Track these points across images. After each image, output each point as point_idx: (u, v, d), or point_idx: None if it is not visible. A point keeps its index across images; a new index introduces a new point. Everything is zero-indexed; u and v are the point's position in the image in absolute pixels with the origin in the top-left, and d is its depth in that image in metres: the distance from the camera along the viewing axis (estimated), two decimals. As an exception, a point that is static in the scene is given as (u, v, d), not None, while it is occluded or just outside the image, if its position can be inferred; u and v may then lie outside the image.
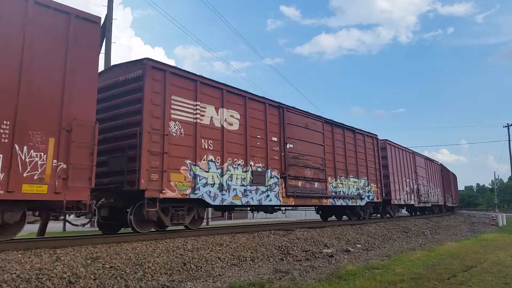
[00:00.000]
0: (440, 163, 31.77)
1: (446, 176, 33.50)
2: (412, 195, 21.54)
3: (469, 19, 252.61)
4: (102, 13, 17.36)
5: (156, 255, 6.49)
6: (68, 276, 4.99)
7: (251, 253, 7.91)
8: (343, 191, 13.90)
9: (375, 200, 16.25)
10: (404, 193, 20.20)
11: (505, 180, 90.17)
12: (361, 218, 15.87)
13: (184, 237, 8.14)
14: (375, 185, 16.37)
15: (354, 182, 14.66)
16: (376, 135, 17.29)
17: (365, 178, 15.57)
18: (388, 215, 19.17)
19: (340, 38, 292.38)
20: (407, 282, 5.97)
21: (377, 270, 7.02)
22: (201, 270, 6.50)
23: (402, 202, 19.74)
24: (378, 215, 18.83)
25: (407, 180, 20.93)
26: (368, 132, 16.64)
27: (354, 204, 14.70)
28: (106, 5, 13.49)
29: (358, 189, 14.88)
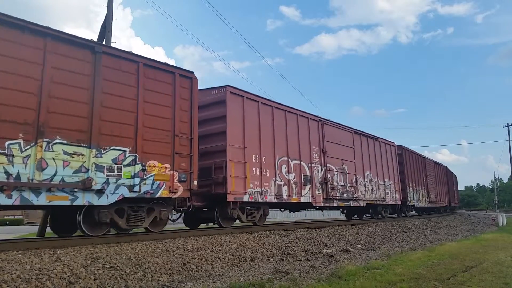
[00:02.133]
0: (400, 145, 21.49)
1: (417, 165, 23.72)
2: (309, 188, 12.47)
3: (469, 19, 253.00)
4: (102, 13, 17.37)
5: (156, 255, 6.49)
6: (68, 276, 5.00)
7: (251, 253, 7.91)
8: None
9: (161, 194, 7.96)
10: (281, 183, 11.24)
11: (505, 180, 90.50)
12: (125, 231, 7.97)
13: (184, 237, 8.15)
14: (167, 165, 8.14)
15: (71, 155, 6.67)
16: (191, 73, 9.00)
17: (128, 149, 7.45)
18: (229, 220, 10.24)
19: (340, 38, 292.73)
20: (407, 282, 5.97)
21: (377, 270, 7.02)
22: (201, 270, 6.50)
23: (270, 199, 10.81)
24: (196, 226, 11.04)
25: (293, 162, 11.97)
26: (153, 61, 8.30)
27: (57, 201, 6.49)
28: (106, 5, 13.48)
29: (88, 170, 6.83)
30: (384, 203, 17.75)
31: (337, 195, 13.92)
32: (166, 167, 8.17)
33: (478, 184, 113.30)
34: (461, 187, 79.12)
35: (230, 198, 9.48)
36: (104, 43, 13.02)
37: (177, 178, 8.29)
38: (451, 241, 13.26)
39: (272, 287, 5.63)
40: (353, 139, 15.75)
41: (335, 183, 13.90)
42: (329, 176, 13.55)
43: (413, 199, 21.68)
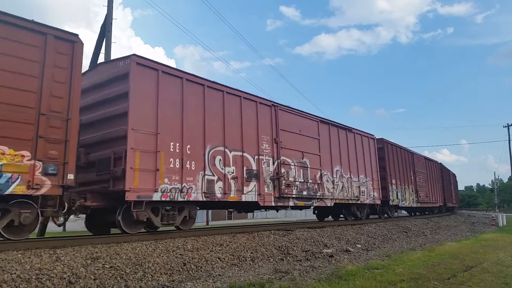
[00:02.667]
0: (380, 138, 18.73)
1: (403, 161, 20.91)
2: (254, 185, 10.24)
3: (469, 19, 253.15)
4: (102, 13, 17.37)
5: (156, 255, 6.49)
6: (68, 276, 5.00)
7: (251, 253, 7.91)
8: None
9: (13, 191, 6.10)
10: (213, 178, 9.12)
11: (505, 180, 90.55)
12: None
13: (184, 237, 8.15)
14: (26, 153, 6.30)
15: None
16: (74, 35, 7.09)
17: None
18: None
19: (340, 38, 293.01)
20: (407, 282, 5.97)
21: (377, 270, 7.02)
22: (201, 270, 6.50)
23: (197, 198, 8.70)
24: None
25: (233, 153, 9.83)
26: (11, 16, 6.28)
27: None
28: (106, 5, 13.49)
29: None
30: (358, 202, 15.33)
31: (294, 193, 11.61)
32: (23, 155, 6.14)
33: (478, 184, 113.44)
34: (461, 187, 79.21)
35: (131, 197, 7.38)
36: (104, 43, 13.04)
37: (40, 170, 6.27)
38: (451, 241, 13.26)
39: (272, 287, 5.63)
40: (318, 129, 13.43)
41: (291, 179, 11.56)
42: (283, 170, 11.27)
43: (397, 198, 19.11)
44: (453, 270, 7.18)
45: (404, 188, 20.46)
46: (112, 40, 13.25)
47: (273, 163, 11.05)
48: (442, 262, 8.18)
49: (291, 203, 11.61)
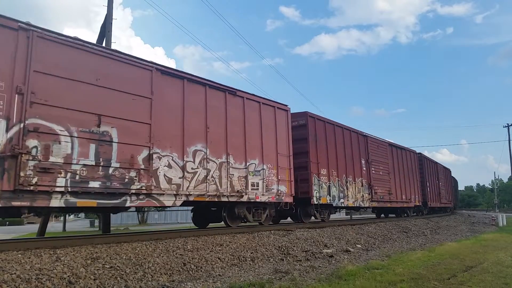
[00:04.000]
0: (303, 112, 13.37)
1: (347, 145, 15.44)
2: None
3: (469, 19, 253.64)
4: (102, 13, 17.36)
5: (156, 255, 6.49)
6: (68, 276, 5.00)
7: (251, 253, 7.91)
8: None
9: None
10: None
11: (505, 180, 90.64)
12: None
13: (184, 237, 8.15)
14: None
15: None
16: None
17: None
18: None
19: (340, 38, 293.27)
20: (407, 282, 5.97)
21: (377, 270, 7.02)
22: (201, 270, 6.50)
23: None
24: None
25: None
26: None
27: None
28: (106, 5, 13.49)
29: None
30: (244, 200, 10.14)
31: (62, 183, 6.53)
32: None
33: (478, 184, 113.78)
34: (461, 187, 79.38)
35: None
36: (104, 43, 13.04)
37: None
38: (451, 241, 13.26)
39: (272, 287, 5.63)
40: (152, 83, 8.28)
41: (58, 160, 6.51)
42: (34, 143, 6.27)
43: (328, 194, 13.74)
44: (453, 270, 7.19)
45: (346, 182, 15.09)
46: (112, 40, 13.24)
47: (7, 130, 6.06)
48: (442, 262, 8.18)
49: (56, 202, 6.53)
